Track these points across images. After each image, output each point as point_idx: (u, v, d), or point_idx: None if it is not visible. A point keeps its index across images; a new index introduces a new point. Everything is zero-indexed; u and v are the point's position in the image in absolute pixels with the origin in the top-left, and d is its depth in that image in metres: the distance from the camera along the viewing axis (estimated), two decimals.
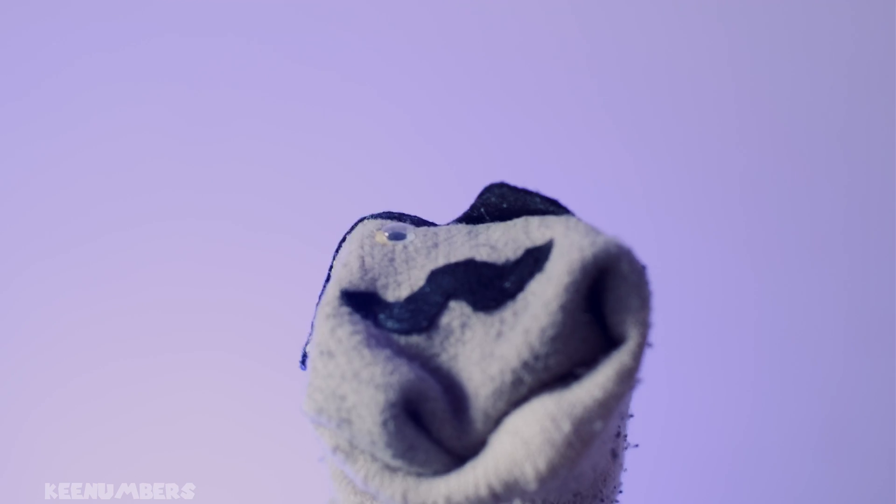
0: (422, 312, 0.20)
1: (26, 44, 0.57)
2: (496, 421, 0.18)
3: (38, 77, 0.57)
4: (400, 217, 0.26)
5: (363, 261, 0.22)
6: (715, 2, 0.57)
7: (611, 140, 0.57)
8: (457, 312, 0.20)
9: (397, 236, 0.23)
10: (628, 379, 0.18)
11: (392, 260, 0.22)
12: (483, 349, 0.19)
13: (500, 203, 0.23)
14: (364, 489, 0.19)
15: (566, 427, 0.17)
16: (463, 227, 0.23)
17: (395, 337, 0.20)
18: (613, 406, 0.18)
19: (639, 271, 0.19)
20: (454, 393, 0.18)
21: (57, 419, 0.55)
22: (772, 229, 0.57)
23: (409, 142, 0.57)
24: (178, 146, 0.57)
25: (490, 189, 0.23)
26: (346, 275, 0.21)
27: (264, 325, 0.56)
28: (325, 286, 0.24)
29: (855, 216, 0.57)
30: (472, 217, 0.24)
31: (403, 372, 0.18)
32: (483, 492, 0.17)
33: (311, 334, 0.23)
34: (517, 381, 0.18)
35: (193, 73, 0.57)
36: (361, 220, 0.25)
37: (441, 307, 0.20)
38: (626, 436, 0.24)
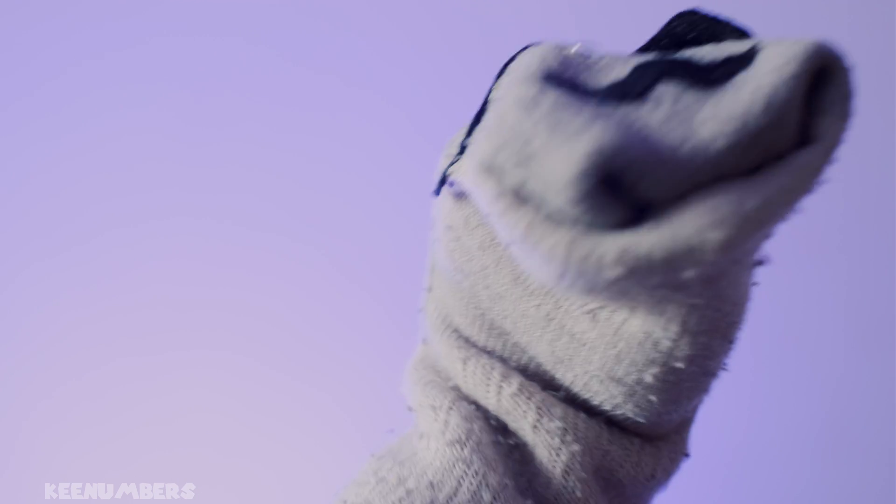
0: (632, 87, 0.19)
1: (27, 45, 0.57)
2: (693, 186, 0.17)
3: (38, 79, 0.57)
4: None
5: (561, 55, 0.20)
6: (715, 3, 0.57)
7: None
8: (668, 89, 0.19)
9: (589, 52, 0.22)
10: (814, 177, 0.18)
11: (588, 65, 0.20)
12: (701, 115, 0.18)
13: (688, 32, 0.22)
14: (519, 242, 0.18)
15: (751, 204, 0.17)
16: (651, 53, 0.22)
17: (603, 105, 0.18)
18: (794, 200, 0.18)
19: (851, 84, 0.19)
20: (658, 153, 0.17)
21: (57, 419, 0.55)
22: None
23: (409, 142, 0.57)
24: (178, 147, 0.57)
25: (680, 16, 0.22)
26: (547, 61, 0.20)
27: (264, 324, 0.56)
28: (481, 111, 0.23)
29: (854, 216, 0.57)
30: (657, 46, 0.22)
31: (606, 125, 0.17)
32: (658, 254, 0.17)
33: (476, 122, 0.22)
34: (730, 147, 0.17)
35: (193, 75, 0.57)
36: (526, 48, 0.23)
37: (651, 85, 0.19)
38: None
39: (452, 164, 0.23)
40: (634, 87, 0.19)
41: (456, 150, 0.24)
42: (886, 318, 0.56)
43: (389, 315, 0.56)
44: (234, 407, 0.55)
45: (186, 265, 0.56)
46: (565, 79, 0.19)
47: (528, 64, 0.20)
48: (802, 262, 0.56)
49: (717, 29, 0.21)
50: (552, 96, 0.18)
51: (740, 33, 0.21)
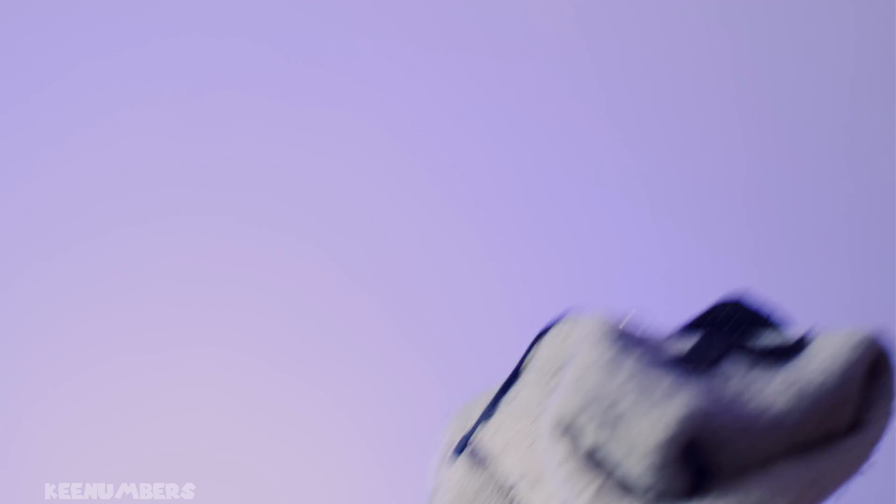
0: (702, 357, 0.20)
1: (28, 46, 0.57)
2: (759, 462, 0.19)
3: (39, 80, 0.57)
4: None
5: (618, 324, 0.21)
6: (717, 4, 0.57)
7: (613, 142, 0.57)
8: (734, 366, 0.20)
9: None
10: (859, 462, 0.20)
11: (647, 336, 0.22)
12: (772, 388, 0.19)
13: (726, 322, 0.23)
14: None
15: (804, 481, 0.18)
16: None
17: (679, 374, 0.19)
18: (843, 479, 0.20)
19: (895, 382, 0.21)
20: (741, 422, 0.19)
21: (57, 419, 0.55)
22: (774, 231, 0.57)
23: (411, 141, 0.57)
24: (181, 146, 0.57)
25: (723, 305, 0.24)
26: (611, 328, 0.21)
27: (263, 324, 0.56)
28: (510, 379, 0.24)
29: (855, 217, 0.57)
30: (698, 327, 0.24)
31: (692, 393, 0.18)
32: None
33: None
34: (804, 419, 0.19)
35: (195, 74, 0.57)
36: (558, 319, 0.24)
37: (721, 355, 0.20)
38: None
39: (473, 429, 0.24)
40: (702, 361, 0.20)
41: (472, 418, 0.24)
42: (886, 319, 0.56)
43: (390, 313, 0.56)
44: (234, 407, 0.55)
45: (186, 264, 0.56)
46: (634, 346, 0.20)
47: (595, 329, 0.20)
48: (804, 262, 0.56)
49: (755, 322, 0.23)
50: (632, 360, 0.19)
51: (777, 328, 0.23)
